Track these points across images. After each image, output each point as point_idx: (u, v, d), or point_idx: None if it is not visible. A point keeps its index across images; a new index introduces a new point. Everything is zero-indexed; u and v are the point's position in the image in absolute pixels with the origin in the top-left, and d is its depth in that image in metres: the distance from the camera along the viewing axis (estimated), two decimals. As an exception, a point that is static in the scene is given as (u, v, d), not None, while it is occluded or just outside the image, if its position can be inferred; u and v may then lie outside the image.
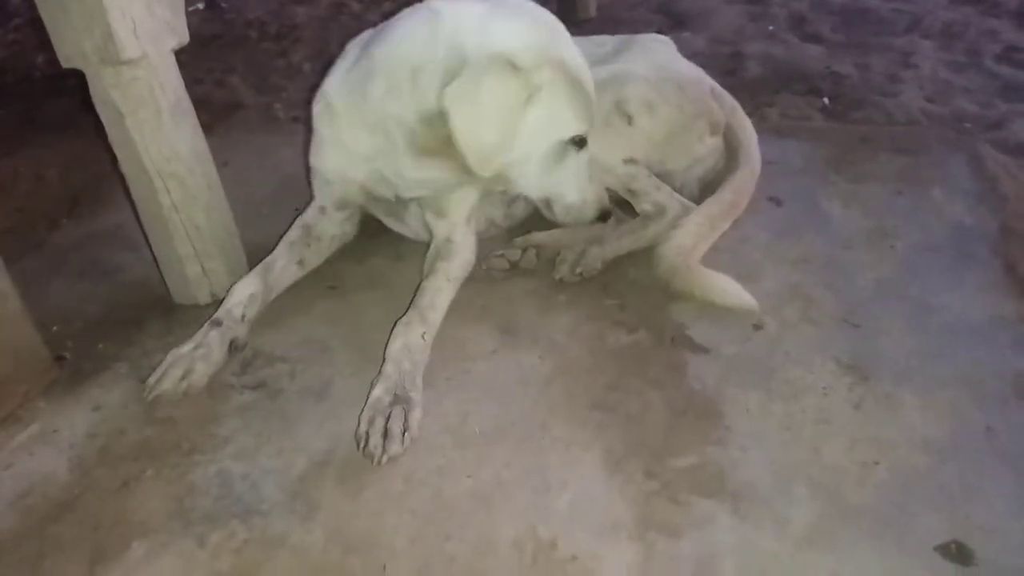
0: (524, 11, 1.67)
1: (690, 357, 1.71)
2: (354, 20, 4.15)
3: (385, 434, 1.50)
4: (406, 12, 1.70)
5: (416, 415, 1.53)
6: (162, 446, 1.57)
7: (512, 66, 1.54)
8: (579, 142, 1.71)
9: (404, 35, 1.65)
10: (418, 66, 1.59)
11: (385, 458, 1.48)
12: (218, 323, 1.77)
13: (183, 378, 1.68)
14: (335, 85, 1.82)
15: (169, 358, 1.71)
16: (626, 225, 2.04)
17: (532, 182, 1.72)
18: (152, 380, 1.69)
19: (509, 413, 1.59)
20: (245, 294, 1.82)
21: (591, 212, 1.79)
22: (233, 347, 1.77)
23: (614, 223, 2.08)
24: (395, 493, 1.44)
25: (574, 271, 1.93)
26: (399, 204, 1.93)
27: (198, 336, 1.75)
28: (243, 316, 1.80)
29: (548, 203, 1.78)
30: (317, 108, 1.87)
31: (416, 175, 1.75)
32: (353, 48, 1.86)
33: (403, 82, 1.61)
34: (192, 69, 1.88)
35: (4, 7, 4.75)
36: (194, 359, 1.70)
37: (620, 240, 1.99)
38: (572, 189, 1.75)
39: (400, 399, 1.54)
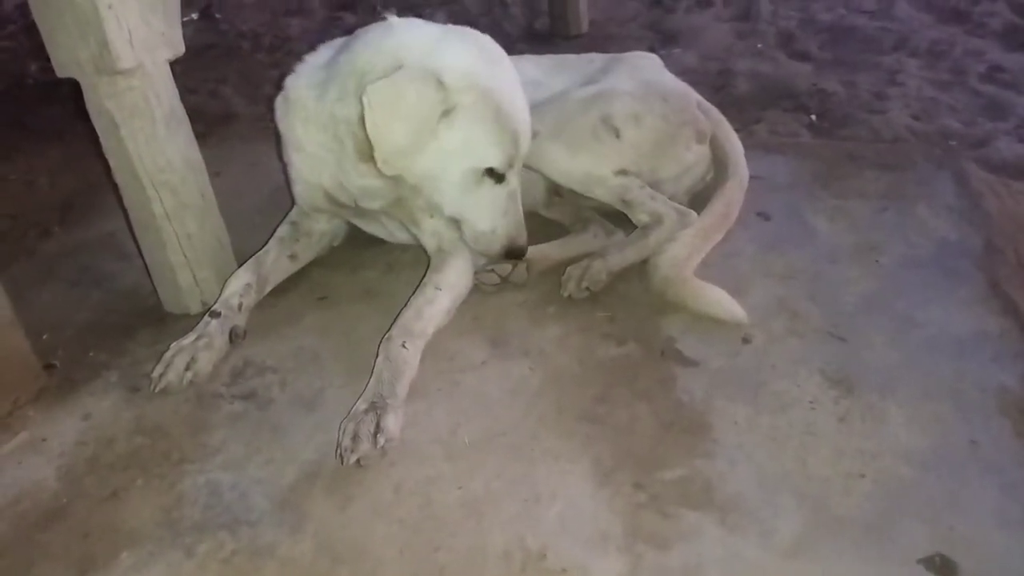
0: (474, 41, 1.74)
1: (679, 370, 1.72)
2: (347, 33, 4.16)
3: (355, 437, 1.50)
4: (372, 25, 1.80)
5: (390, 419, 1.52)
6: (152, 455, 1.57)
7: (437, 81, 1.61)
8: (497, 176, 1.73)
9: (360, 44, 1.75)
10: (363, 72, 1.66)
11: (352, 458, 1.47)
12: (217, 314, 1.81)
13: (187, 368, 1.71)
14: (297, 82, 1.88)
15: (172, 350, 1.74)
16: (626, 237, 2.05)
17: (446, 200, 1.76)
18: (156, 373, 1.71)
19: (499, 424, 1.60)
20: (240, 284, 1.87)
21: (497, 246, 1.80)
22: (233, 335, 1.80)
23: (602, 234, 2.11)
24: (384, 503, 1.44)
25: (580, 286, 1.93)
26: (366, 213, 1.95)
27: (199, 327, 1.78)
28: (240, 305, 1.84)
29: (459, 225, 1.82)
30: (278, 102, 1.94)
31: (359, 182, 1.80)
32: (325, 50, 1.92)
33: (350, 86, 1.69)
34: (186, 79, 1.89)
35: (-3, 14, 4.74)
36: (197, 349, 1.73)
37: (623, 252, 2.00)
38: (484, 218, 1.78)
39: (375, 406, 1.54)
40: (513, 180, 1.77)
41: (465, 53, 1.68)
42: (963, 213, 2.20)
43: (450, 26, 1.82)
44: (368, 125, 1.61)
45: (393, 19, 1.79)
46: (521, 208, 1.81)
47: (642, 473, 1.48)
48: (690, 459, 1.50)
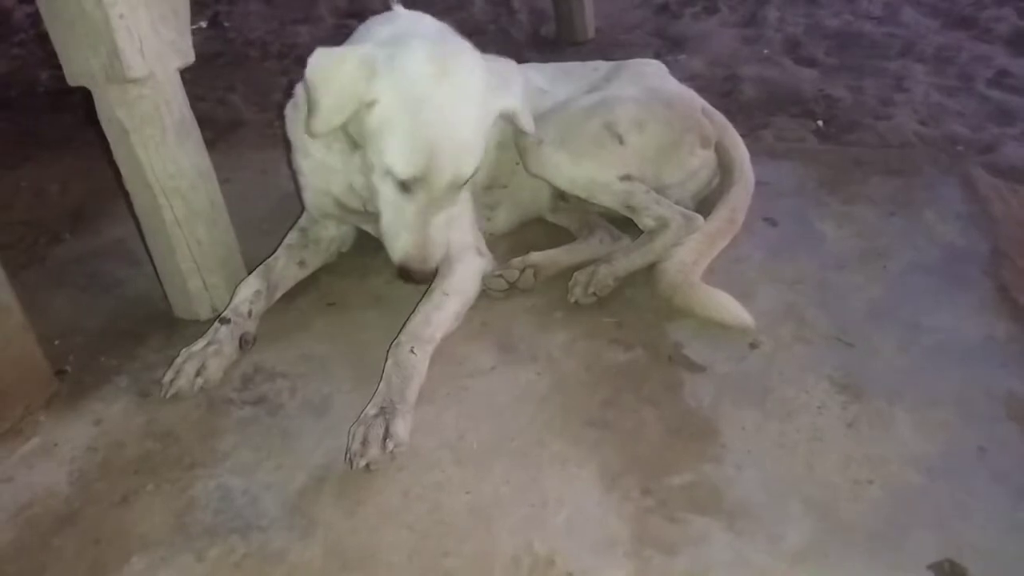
0: (442, 50, 1.67)
1: (686, 375, 1.72)
2: (355, 39, 4.18)
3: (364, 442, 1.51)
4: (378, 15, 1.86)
5: (399, 423, 1.53)
6: (162, 460, 1.58)
7: (372, 69, 1.60)
8: (402, 184, 1.65)
9: (360, 30, 1.83)
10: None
11: (362, 463, 1.48)
12: (227, 320, 1.82)
13: (198, 374, 1.72)
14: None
15: (182, 356, 1.76)
16: (632, 242, 2.06)
17: (374, 186, 1.72)
18: (167, 379, 1.73)
19: (507, 429, 1.60)
20: (250, 292, 1.88)
21: (394, 254, 1.71)
22: (243, 341, 1.82)
23: (609, 239, 2.12)
24: (393, 508, 1.45)
25: (587, 292, 1.94)
26: (375, 219, 1.96)
27: (209, 334, 1.80)
28: (250, 312, 1.86)
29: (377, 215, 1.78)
30: (287, 110, 1.96)
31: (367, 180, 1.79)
32: None
33: None
34: (195, 87, 1.90)
35: (8, 22, 4.79)
36: (207, 355, 1.75)
37: (629, 256, 2.00)
38: (385, 218, 1.72)
39: (384, 411, 1.55)
40: (421, 198, 1.65)
41: (421, 57, 1.62)
42: (970, 218, 2.20)
43: (447, 31, 1.82)
44: (307, 80, 1.62)
45: (398, 8, 1.84)
46: (436, 237, 1.69)
47: (650, 478, 1.48)
48: (698, 464, 1.51)
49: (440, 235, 1.70)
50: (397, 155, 1.63)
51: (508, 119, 1.84)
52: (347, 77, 1.61)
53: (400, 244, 1.70)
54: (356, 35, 1.83)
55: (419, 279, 1.71)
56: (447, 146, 1.62)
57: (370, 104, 1.62)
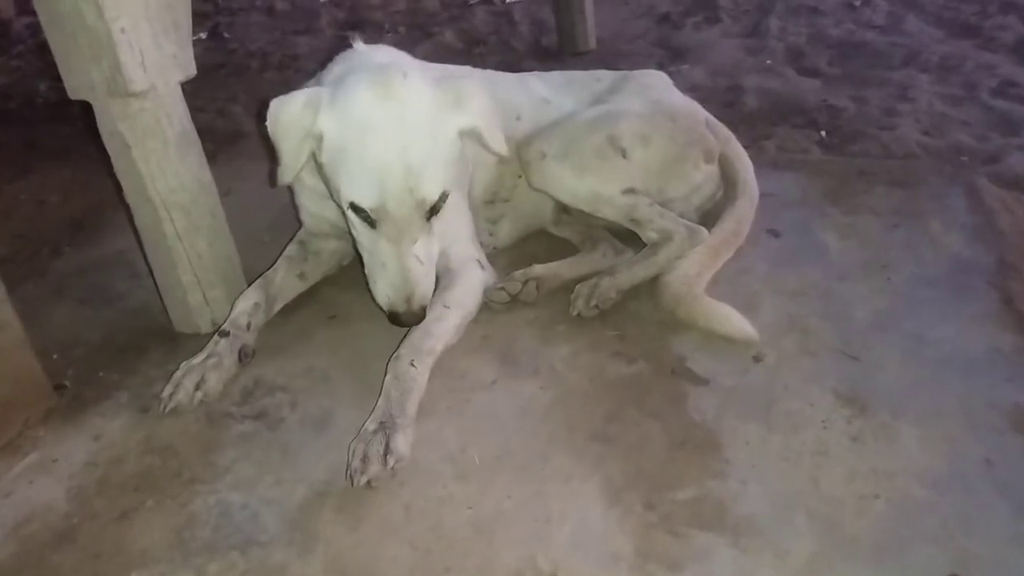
0: (389, 81, 1.64)
1: (690, 388, 1.73)
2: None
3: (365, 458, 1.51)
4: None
5: (399, 438, 1.53)
6: (162, 476, 1.59)
7: (316, 105, 1.64)
8: (366, 217, 1.65)
9: (326, 70, 1.91)
10: None
11: (363, 479, 1.48)
12: (226, 333, 1.83)
13: (197, 388, 1.73)
14: None
15: (181, 370, 1.77)
16: (635, 255, 2.07)
17: (348, 228, 1.75)
18: (166, 393, 1.73)
19: (509, 443, 1.61)
20: (249, 304, 1.90)
21: (380, 298, 1.70)
22: (243, 355, 1.83)
23: (612, 252, 2.13)
24: (394, 524, 1.45)
25: (590, 304, 1.94)
26: None
27: (208, 347, 1.81)
28: (249, 324, 1.87)
29: None
30: None
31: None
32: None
33: None
34: (195, 98, 1.92)
35: (7, 34, 4.83)
36: (206, 369, 1.76)
37: (631, 269, 2.01)
38: (364, 254, 1.73)
39: (384, 426, 1.56)
40: (389, 230, 1.64)
41: (362, 84, 1.63)
42: (975, 229, 2.21)
43: (403, 59, 1.85)
44: (269, 133, 1.70)
45: (358, 45, 1.90)
46: (415, 271, 1.66)
47: (653, 493, 1.48)
48: (702, 479, 1.51)
49: (419, 268, 1.67)
50: (351, 185, 1.64)
51: (471, 138, 1.76)
52: (296, 118, 1.66)
53: (381, 287, 1.69)
54: (315, 78, 1.90)
55: (407, 322, 1.69)
56: (397, 170, 1.60)
57: (318, 139, 1.66)
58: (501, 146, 1.80)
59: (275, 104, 1.68)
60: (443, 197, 1.68)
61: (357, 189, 1.63)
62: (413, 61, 1.94)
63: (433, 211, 1.68)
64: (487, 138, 1.76)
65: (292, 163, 1.70)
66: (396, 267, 1.66)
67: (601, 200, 2.03)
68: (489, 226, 2.18)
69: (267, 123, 1.68)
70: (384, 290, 1.69)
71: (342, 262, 2.18)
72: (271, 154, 1.77)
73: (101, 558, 1.43)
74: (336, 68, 1.86)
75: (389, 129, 1.60)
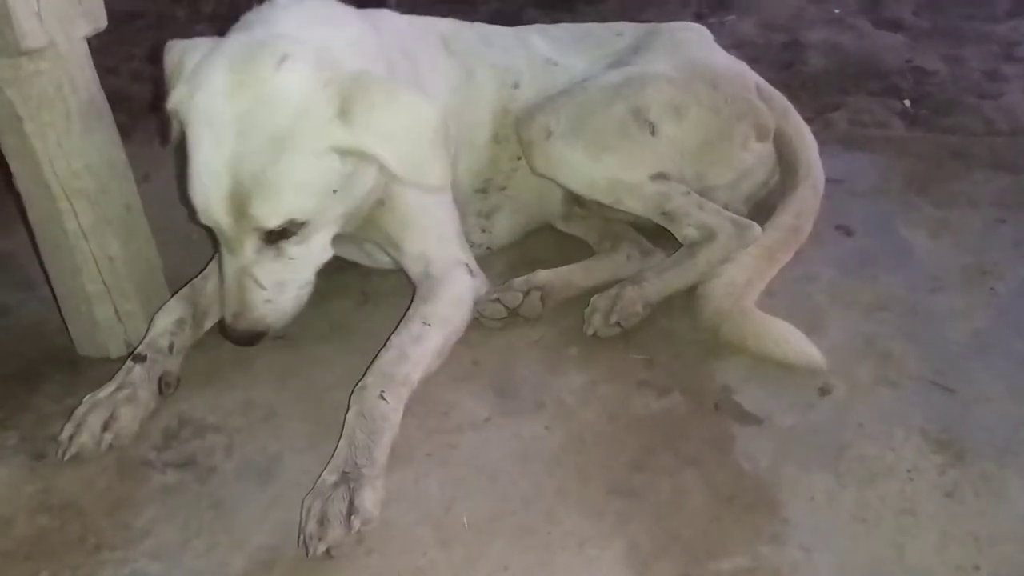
0: (261, 64, 1.65)
1: (738, 429, 1.74)
2: None
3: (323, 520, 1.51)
4: None
5: (366, 493, 1.53)
6: (61, 541, 1.58)
7: (180, 70, 1.78)
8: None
9: None
10: None
11: (320, 547, 1.48)
12: (141, 358, 1.83)
13: (105, 428, 1.73)
14: None
15: (85, 404, 1.77)
16: (667, 258, 2.08)
17: None
18: (66, 435, 1.73)
19: (507, 500, 1.61)
20: (171, 320, 1.90)
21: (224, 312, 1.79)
22: (163, 385, 1.83)
23: (637, 254, 2.14)
24: (360, 603, 1.45)
25: (609, 321, 1.95)
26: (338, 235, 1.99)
27: (119, 376, 1.81)
28: (171, 346, 1.88)
29: None
30: None
31: None
32: None
33: None
34: (104, 56, 1.94)
35: None
36: (117, 403, 1.76)
37: (663, 276, 2.02)
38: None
39: (347, 477, 1.56)
40: (227, 249, 1.73)
41: (221, 65, 1.66)
42: (1102, 226, 2.22)
43: (336, 24, 1.83)
44: None
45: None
46: (252, 300, 1.73)
47: (691, 562, 1.48)
48: (753, 545, 1.51)
49: (256, 293, 1.72)
50: (187, 179, 1.69)
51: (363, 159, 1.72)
52: (167, 71, 1.76)
53: (223, 295, 1.78)
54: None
55: (236, 340, 1.78)
56: (224, 181, 1.63)
57: (173, 114, 1.72)
58: (427, 178, 1.73)
59: (169, 47, 1.80)
60: (294, 224, 1.68)
61: (189, 186, 1.69)
62: (351, 26, 1.87)
63: (283, 236, 1.69)
64: (392, 166, 1.69)
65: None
66: (227, 281, 1.75)
67: (623, 188, 2.04)
68: (481, 221, 2.19)
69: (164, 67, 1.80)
70: (223, 303, 1.79)
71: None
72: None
73: (-18, 647, 1.43)
74: (238, 28, 1.85)
75: (226, 129, 1.62)
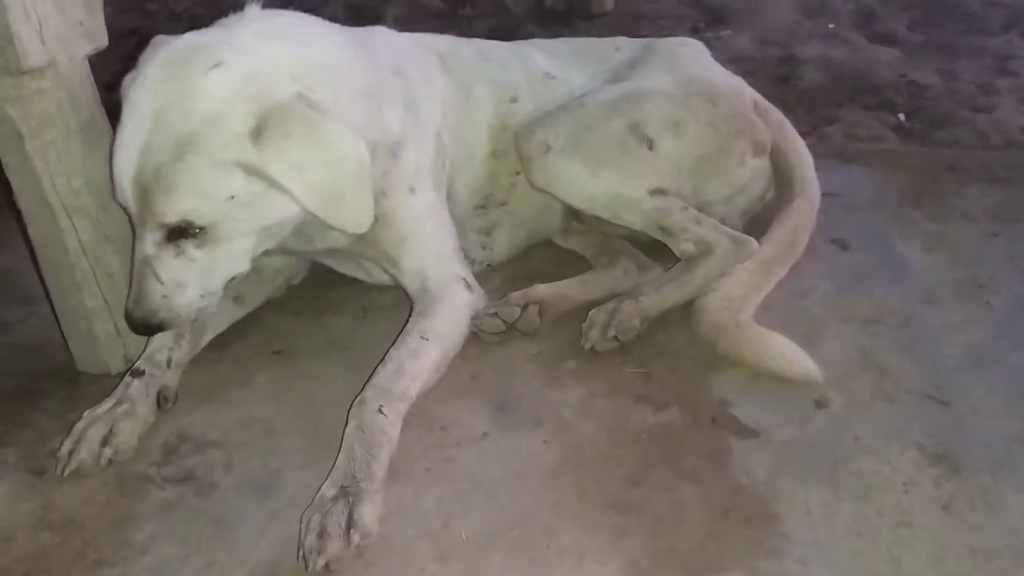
0: (191, 64, 1.69)
1: (735, 442, 1.74)
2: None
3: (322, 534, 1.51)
4: None
5: (366, 508, 1.54)
6: (60, 557, 1.58)
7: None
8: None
9: None
10: None
11: (320, 561, 1.48)
12: (140, 372, 1.84)
13: (105, 443, 1.73)
14: None
15: (84, 420, 1.77)
16: (665, 272, 2.09)
17: None
18: (65, 450, 1.73)
19: (505, 514, 1.61)
20: (169, 335, 1.89)
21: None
22: (161, 399, 1.84)
23: (635, 269, 2.14)
24: (359, 618, 1.46)
25: (607, 335, 1.96)
26: (336, 251, 2.01)
27: (118, 391, 1.81)
28: (169, 361, 1.88)
29: None
30: None
31: None
32: None
33: None
34: (104, 73, 1.94)
35: None
36: (116, 418, 1.76)
37: (661, 290, 2.03)
38: None
39: (346, 491, 1.56)
40: (135, 226, 1.76)
41: (155, 65, 1.70)
42: (1096, 239, 2.23)
43: (299, 43, 1.82)
44: None
45: (251, 10, 1.91)
46: (149, 291, 1.73)
47: (689, 577, 1.49)
48: (751, 559, 1.51)
49: (152, 285, 1.72)
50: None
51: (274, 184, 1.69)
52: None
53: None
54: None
55: (134, 328, 1.78)
56: (129, 170, 1.66)
57: (119, 96, 1.75)
58: (344, 218, 1.73)
59: (155, 41, 1.84)
60: (192, 226, 1.68)
61: (112, 161, 1.72)
62: (321, 45, 1.86)
63: (184, 235, 1.69)
64: (300, 198, 1.68)
65: None
66: (133, 266, 1.77)
67: (622, 204, 2.05)
68: (481, 237, 2.20)
69: None
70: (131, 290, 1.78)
71: (290, 282, 2.19)
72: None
73: (-18, 664, 1.43)
74: (205, 29, 1.88)
75: (143, 120, 1.66)
